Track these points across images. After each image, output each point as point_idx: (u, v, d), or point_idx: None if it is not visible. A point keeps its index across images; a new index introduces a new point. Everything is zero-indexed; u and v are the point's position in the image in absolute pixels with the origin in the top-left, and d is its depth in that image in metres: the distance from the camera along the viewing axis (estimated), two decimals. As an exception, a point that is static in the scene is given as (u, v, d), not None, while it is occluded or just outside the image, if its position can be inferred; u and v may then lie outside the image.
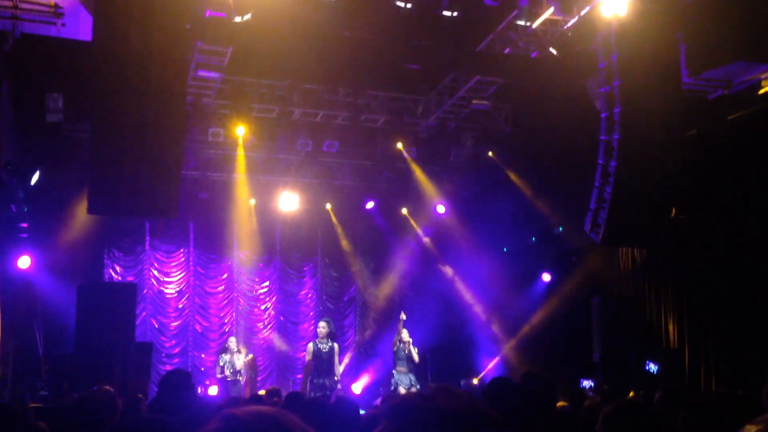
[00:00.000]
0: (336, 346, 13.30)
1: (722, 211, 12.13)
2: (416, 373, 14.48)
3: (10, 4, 9.52)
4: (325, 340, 13.22)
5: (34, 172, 11.73)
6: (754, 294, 11.54)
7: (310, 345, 13.40)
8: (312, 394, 13.02)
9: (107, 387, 4.43)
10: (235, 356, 14.19)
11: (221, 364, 14.18)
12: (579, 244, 14.65)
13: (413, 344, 13.95)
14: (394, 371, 13.88)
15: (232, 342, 14.52)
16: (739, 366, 11.49)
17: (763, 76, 11.24)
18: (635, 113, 10.61)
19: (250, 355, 14.79)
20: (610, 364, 13.16)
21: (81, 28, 9.82)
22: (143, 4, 9.00)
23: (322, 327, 13.45)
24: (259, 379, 16.37)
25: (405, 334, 13.86)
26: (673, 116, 10.86)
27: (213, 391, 14.60)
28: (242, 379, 14.20)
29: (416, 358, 13.90)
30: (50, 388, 11.99)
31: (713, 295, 12.43)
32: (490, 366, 16.53)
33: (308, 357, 13.28)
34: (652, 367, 12.67)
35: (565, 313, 15.41)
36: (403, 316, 14.07)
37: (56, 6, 9.68)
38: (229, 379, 14.03)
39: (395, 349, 13.86)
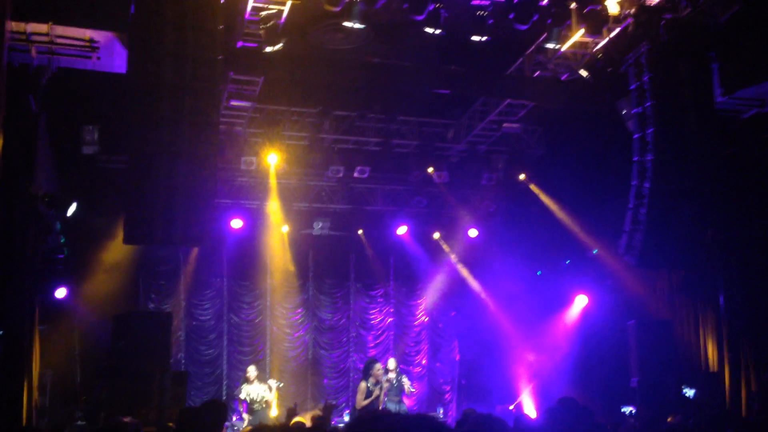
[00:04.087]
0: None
1: (760, 231, 11.93)
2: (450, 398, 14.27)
3: (46, 39, 9.72)
4: (378, 383, 12.79)
5: (70, 204, 11.91)
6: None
7: (363, 384, 12.89)
8: None
9: (127, 418, 4.43)
10: (263, 386, 13.47)
11: (248, 396, 13.35)
12: (614, 267, 14.49)
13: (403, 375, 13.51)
14: (385, 401, 12.93)
15: (253, 371, 13.66)
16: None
17: (798, 94, 11.09)
18: (668, 134, 10.51)
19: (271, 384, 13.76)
20: (648, 388, 12.93)
21: (116, 61, 10.00)
22: (176, 37, 9.13)
23: (378, 370, 12.88)
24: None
25: (393, 364, 13.26)
26: (707, 136, 10.74)
27: None
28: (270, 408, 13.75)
29: (408, 387, 13.32)
30: (87, 417, 12.06)
31: (753, 316, 12.20)
32: (526, 391, 16.34)
33: (360, 396, 12.83)
34: (689, 392, 12.42)
35: (601, 337, 15.21)
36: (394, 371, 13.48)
37: (92, 40, 9.87)
38: (256, 408, 13.25)
39: (391, 383, 13.01)
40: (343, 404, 16.73)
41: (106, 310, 13.55)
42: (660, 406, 12.19)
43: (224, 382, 16.35)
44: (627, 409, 12.73)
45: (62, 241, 11.98)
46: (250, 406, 13.35)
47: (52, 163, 12.19)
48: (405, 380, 13.31)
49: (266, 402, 13.45)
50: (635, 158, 10.79)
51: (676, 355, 13.31)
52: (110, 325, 12.21)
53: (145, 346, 11.75)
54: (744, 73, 10.63)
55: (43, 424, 11.61)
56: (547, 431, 3.35)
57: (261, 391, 13.46)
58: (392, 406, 12.89)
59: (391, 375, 13.13)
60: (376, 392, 12.81)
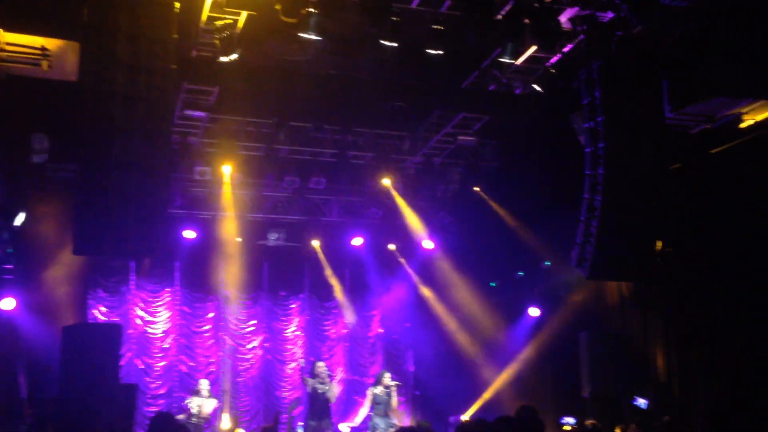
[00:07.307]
0: (334, 385, 13.28)
1: (707, 243, 12.18)
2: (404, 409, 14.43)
3: (-4, 46, 9.54)
4: (323, 381, 13.12)
5: (18, 213, 11.68)
6: (742, 326, 11.55)
7: (310, 380, 13.20)
8: None
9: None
10: (206, 401, 13.60)
11: (191, 407, 13.39)
12: (566, 279, 14.66)
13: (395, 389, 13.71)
14: (371, 415, 13.53)
15: (205, 385, 13.88)
16: (729, 399, 11.46)
17: (744, 110, 11.36)
18: (619, 148, 10.68)
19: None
20: (599, 399, 13.10)
21: (68, 69, 9.84)
22: (129, 46, 9.02)
23: (322, 367, 13.37)
24: (245, 419, 16.20)
25: (388, 378, 13.56)
26: (657, 151, 10.95)
27: None
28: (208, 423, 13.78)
29: (395, 403, 13.53)
30: (34, 431, 11.81)
31: (701, 327, 12.43)
32: (480, 402, 16.42)
33: (308, 388, 13.20)
34: (641, 402, 12.61)
35: (553, 348, 15.36)
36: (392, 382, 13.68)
37: (43, 48, 9.70)
38: (194, 421, 13.23)
39: (376, 392, 13.47)
40: (297, 416, 16.63)
41: (54, 322, 13.29)
42: (611, 417, 12.34)
43: (175, 395, 16.11)
44: (568, 420, 12.87)
45: (10, 251, 11.74)
46: (188, 419, 13.27)
47: (0, 172, 11.95)
48: (394, 395, 13.43)
49: (205, 418, 13.43)
50: (587, 172, 10.96)
51: (628, 365, 13.51)
52: (58, 337, 11.99)
53: (94, 358, 11.55)
54: (692, 89, 10.86)
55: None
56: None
57: (206, 405, 13.45)
58: (378, 421, 13.16)
59: (379, 389, 13.37)
60: (321, 388, 13.10)
